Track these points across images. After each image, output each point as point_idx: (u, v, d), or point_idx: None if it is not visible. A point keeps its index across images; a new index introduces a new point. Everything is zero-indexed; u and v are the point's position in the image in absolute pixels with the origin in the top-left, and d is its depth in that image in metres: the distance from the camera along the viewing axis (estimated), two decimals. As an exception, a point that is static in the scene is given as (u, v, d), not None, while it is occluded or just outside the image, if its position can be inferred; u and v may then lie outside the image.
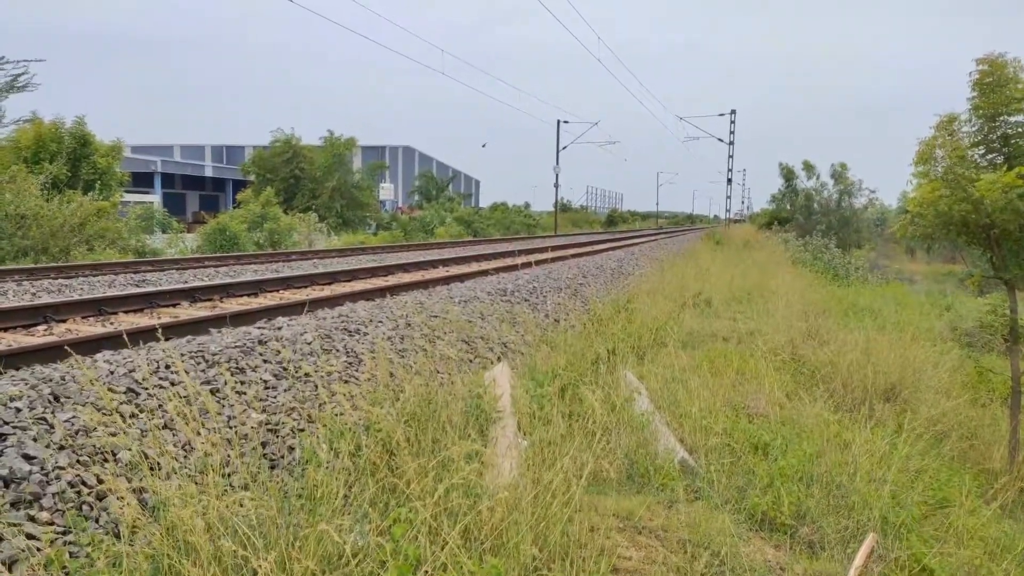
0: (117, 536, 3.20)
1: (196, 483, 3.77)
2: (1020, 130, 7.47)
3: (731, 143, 50.75)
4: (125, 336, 4.69)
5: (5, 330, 6.70)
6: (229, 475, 4.05)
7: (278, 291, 10.31)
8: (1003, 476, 6.90)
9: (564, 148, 47.62)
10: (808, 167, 39.57)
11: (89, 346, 5.60)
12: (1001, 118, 7.50)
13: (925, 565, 4.15)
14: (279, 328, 6.69)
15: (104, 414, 4.12)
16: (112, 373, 4.75)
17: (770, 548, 4.17)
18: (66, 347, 4.20)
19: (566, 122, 48.57)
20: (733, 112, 50.68)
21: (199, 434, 3.84)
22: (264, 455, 4.62)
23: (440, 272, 14.03)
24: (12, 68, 15.25)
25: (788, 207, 43.11)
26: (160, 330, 4.34)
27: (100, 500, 3.63)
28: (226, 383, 5.14)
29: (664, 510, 4.37)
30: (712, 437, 5.51)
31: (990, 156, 7.62)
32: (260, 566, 2.20)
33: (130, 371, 4.80)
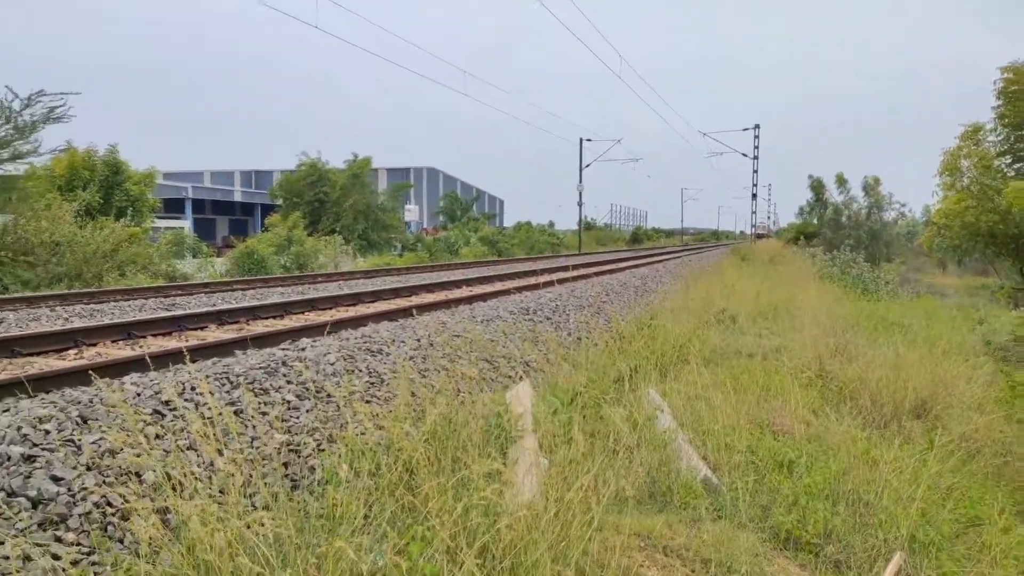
0: (139, 556, 3.26)
1: (219, 503, 3.82)
2: (1048, 139, 7.37)
3: (755, 158, 50.48)
4: (148, 359, 4.77)
5: (37, 354, 6.86)
6: (251, 495, 4.10)
7: (303, 313, 10.43)
8: (1040, 493, 6.71)
9: (587, 166, 47.76)
10: (840, 180, 38.99)
11: (117, 369, 5.71)
12: (1028, 127, 7.40)
13: (954, 584, 4.06)
14: (303, 349, 6.77)
15: (129, 435, 4.19)
16: (139, 395, 4.84)
17: (795, 567, 4.11)
18: (90, 371, 4.29)
19: (588, 140, 48.69)
20: (757, 127, 50.47)
21: (221, 454, 3.89)
22: (286, 475, 4.67)
23: (463, 292, 14.10)
24: (50, 100, 15.69)
25: (815, 221, 42.64)
26: (187, 352, 4.41)
27: (125, 520, 3.69)
28: (249, 404, 5.21)
29: (686, 529, 4.32)
30: (735, 455, 5.45)
31: (1017, 165, 7.52)
32: (276, 584, 2.22)
33: (156, 393, 4.89)
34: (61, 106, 15.61)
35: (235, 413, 4.97)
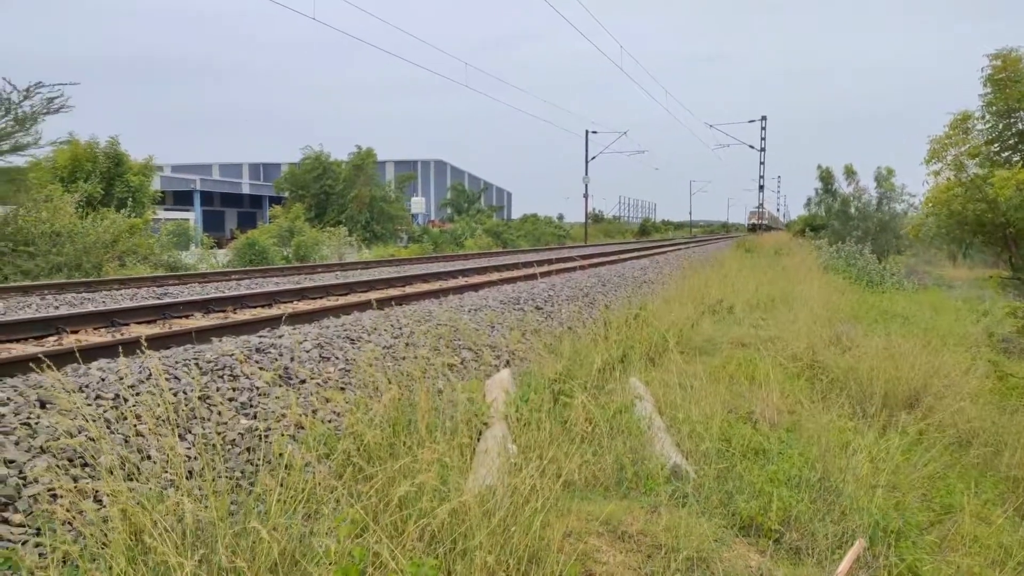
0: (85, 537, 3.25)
1: (177, 487, 3.81)
2: (1037, 125, 7.24)
3: (762, 150, 50.14)
4: (77, 352, 4.73)
5: (17, 341, 6.88)
6: (213, 479, 4.09)
7: (292, 302, 10.43)
8: (1025, 483, 6.63)
9: (593, 158, 47.58)
10: (849, 171, 38.28)
11: (90, 354, 5.69)
12: (1016, 114, 7.27)
13: (918, 572, 4.00)
14: (280, 336, 6.75)
15: (86, 420, 4.19)
16: (103, 380, 4.84)
17: (754, 554, 4.06)
18: (40, 356, 4.28)
19: (595, 132, 48.44)
20: (764, 119, 50.10)
21: (180, 438, 3.88)
22: (249, 460, 4.66)
23: (459, 282, 14.07)
24: (48, 91, 15.76)
25: (823, 213, 42.12)
26: (144, 340, 4.40)
27: (77, 503, 3.69)
28: (218, 389, 5.20)
29: (647, 515, 4.28)
30: (712, 443, 5.40)
31: (1005, 154, 7.40)
32: (181, 564, 2.20)
33: (121, 378, 4.89)
34: (59, 97, 15.68)
35: (200, 399, 4.96)
